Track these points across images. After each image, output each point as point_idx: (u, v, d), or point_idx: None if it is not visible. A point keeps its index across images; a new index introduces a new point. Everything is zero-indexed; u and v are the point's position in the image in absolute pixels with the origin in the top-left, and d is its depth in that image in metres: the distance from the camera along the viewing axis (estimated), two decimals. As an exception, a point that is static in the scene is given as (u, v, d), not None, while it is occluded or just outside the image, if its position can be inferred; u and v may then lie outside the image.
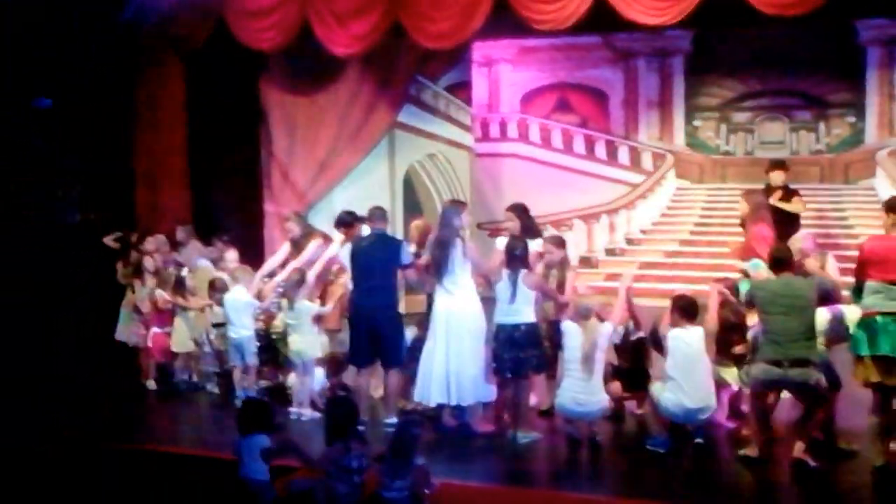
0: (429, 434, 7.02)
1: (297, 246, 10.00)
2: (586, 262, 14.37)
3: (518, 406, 8.27)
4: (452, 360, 8.35)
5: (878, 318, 7.02)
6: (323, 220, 11.24)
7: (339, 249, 9.40)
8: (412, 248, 9.04)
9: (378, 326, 8.56)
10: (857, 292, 7.34)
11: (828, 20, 11.81)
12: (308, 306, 9.19)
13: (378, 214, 8.95)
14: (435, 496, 6.64)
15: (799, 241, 8.43)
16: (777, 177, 10.70)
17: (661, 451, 7.76)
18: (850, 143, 13.66)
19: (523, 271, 8.24)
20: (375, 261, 8.67)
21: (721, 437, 8.14)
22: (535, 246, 8.80)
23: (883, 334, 6.98)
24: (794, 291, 7.34)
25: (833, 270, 8.23)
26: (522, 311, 8.24)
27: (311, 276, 9.36)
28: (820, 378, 7.21)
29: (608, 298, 8.53)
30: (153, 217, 12.48)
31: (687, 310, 7.86)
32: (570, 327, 7.98)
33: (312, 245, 9.88)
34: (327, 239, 9.97)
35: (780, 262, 7.52)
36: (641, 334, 8.63)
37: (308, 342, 9.12)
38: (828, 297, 7.58)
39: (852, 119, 13.70)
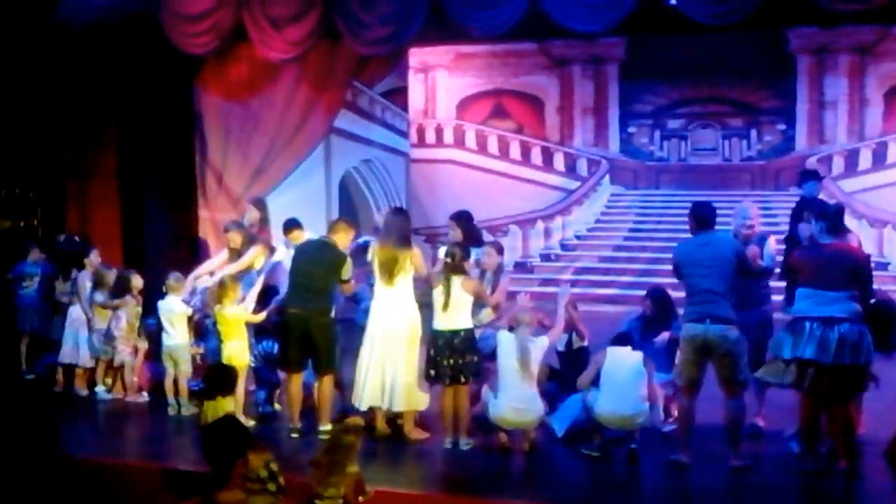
0: (363, 441, 6.96)
1: (238, 254, 9.90)
2: (522, 267, 14.43)
3: (458, 413, 8.28)
4: (388, 365, 8.35)
5: (807, 323, 7.11)
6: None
7: (285, 258, 9.35)
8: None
9: (311, 332, 8.51)
10: (790, 299, 7.45)
11: (758, 29, 11.99)
12: (239, 313, 9.08)
13: (332, 225, 8.96)
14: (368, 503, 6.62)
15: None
16: (812, 188, 9.81)
17: (595, 456, 7.80)
18: (780, 149, 13.90)
19: (462, 277, 8.26)
20: (314, 266, 8.62)
21: (656, 441, 8.19)
22: (477, 254, 8.83)
23: (809, 339, 7.08)
24: (712, 251, 7.49)
25: (771, 251, 8.34)
26: (461, 317, 8.25)
27: (255, 288, 9.24)
28: (739, 337, 7.36)
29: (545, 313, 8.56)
30: (82, 223, 12.32)
31: (620, 342, 8.01)
32: (505, 336, 8.00)
33: (252, 251, 9.78)
34: (269, 248, 9.89)
35: (701, 220, 7.64)
36: (584, 344, 8.77)
37: (239, 349, 9.02)
38: (745, 262, 7.65)
39: (783, 126, 13.94)
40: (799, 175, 10.78)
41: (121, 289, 10.19)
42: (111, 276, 10.36)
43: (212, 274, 9.85)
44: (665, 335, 8.50)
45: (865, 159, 13.69)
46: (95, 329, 10.25)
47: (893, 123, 13.66)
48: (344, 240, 8.80)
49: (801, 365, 7.09)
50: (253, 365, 9.25)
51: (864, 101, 13.77)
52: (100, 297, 10.27)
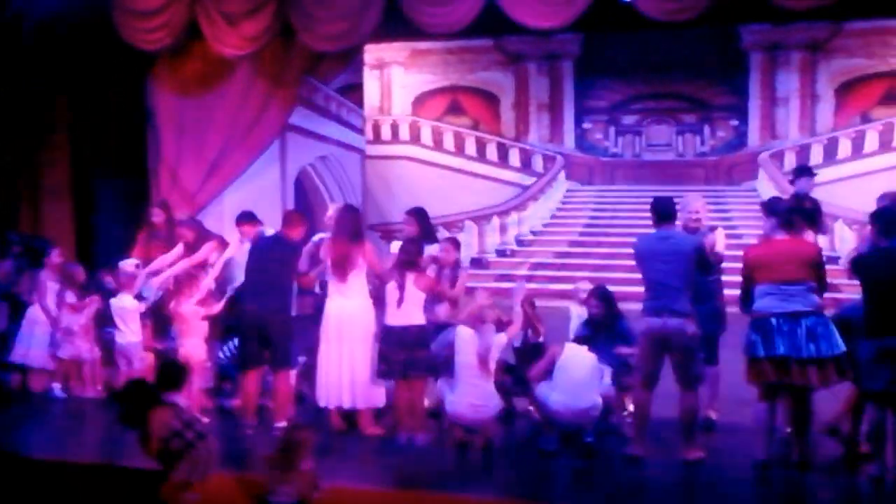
0: (317, 437, 6.95)
1: (192, 250, 9.85)
2: (478, 263, 14.45)
3: (413, 408, 8.27)
4: (345, 362, 8.33)
5: (773, 319, 7.14)
6: (213, 222, 11.09)
7: (237, 252, 9.33)
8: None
9: (267, 328, 8.49)
10: (746, 299, 7.48)
11: (712, 25, 12.08)
12: (193, 309, 9.03)
13: (286, 218, 8.96)
14: (323, 499, 6.61)
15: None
16: (806, 184, 9.58)
17: (550, 451, 7.83)
18: (733, 145, 14.01)
19: (415, 273, 8.26)
20: (269, 261, 8.61)
21: (611, 435, 8.23)
22: (431, 249, 8.84)
23: (777, 335, 7.10)
24: (672, 245, 7.56)
25: (721, 243, 8.40)
26: (413, 313, 8.26)
27: (206, 282, 9.20)
28: (696, 332, 7.45)
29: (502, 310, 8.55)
30: (35, 220, 12.19)
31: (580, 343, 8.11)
32: (464, 332, 7.99)
33: (205, 248, 9.73)
34: (223, 243, 9.84)
35: (662, 214, 7.69)
36: (540, 340, 8.82)
37: (194, 346, 8.97)
38: (704, 255, 7.73)
39: (735, 122, 14.05)
40: (793, 171, 10.74)
41: (91, 287, 10.18)
42: (80, 273, 10.31)
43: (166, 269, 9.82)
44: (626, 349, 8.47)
45: (817, 155, 13.82)
46: (62, 326, 10.16)
47: (844, 119, 13.81)
48: (298, 232, 8.79)
49: (776, 361, 7.13)
50: (222, 361, 9.27)
51: (816, 98, 13.90)
52: (71, 297, 10.19)
